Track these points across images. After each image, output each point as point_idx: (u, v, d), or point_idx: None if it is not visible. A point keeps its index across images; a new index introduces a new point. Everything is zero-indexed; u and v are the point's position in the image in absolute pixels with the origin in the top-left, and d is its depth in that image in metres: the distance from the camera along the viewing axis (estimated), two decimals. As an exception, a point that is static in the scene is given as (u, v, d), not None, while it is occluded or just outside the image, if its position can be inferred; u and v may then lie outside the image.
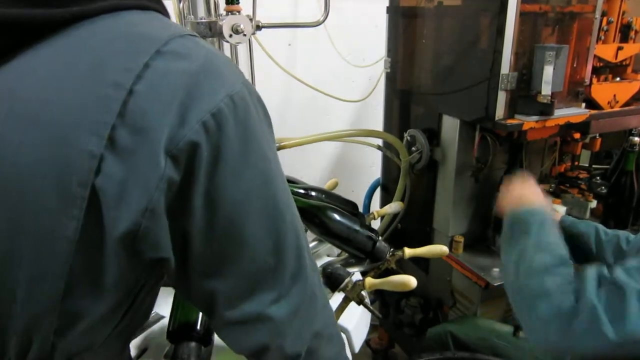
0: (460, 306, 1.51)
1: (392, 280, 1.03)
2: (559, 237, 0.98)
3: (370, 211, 1.60)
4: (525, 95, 1.25)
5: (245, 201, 0.50)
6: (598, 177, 1.75)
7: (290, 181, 1.38)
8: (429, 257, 1.26)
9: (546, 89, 1.20)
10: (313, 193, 1.31)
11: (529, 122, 1.23)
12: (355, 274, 1.27)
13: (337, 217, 1.20)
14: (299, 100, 1.98)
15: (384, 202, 1.88)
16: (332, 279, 1.08)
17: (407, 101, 1.60)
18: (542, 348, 0.95)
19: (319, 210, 1.19)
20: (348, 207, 1.37)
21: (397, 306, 1.72)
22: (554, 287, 0.87)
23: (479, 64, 1.26)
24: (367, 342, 2.09)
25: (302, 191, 1.29)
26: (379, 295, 1.89)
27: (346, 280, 1.06)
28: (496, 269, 1.41)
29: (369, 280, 1.06)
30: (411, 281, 1.01)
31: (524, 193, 1.06)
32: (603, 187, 1.73)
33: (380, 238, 1.23)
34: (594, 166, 1.79)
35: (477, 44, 1.28)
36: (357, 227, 1.20)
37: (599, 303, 0.81)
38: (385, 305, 1.88)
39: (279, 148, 1.27)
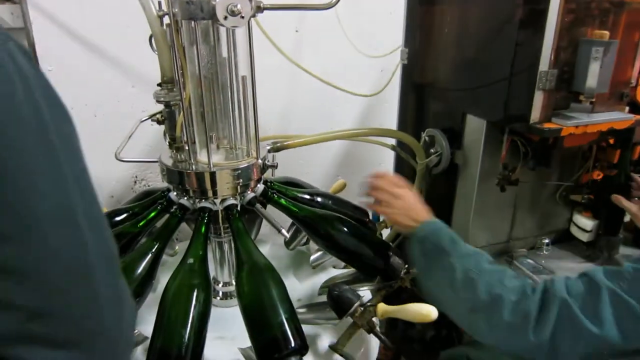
0: (477, 326, 1.37)
1: (410, 309, 0.89)
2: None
3: (381, 218, 1.46)
4: (564, 96, 1.10)
5: None
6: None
7: (295, 184, 1.24)
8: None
9: (590, 89, 1.05)
10: (319, 199, 1.17)
11: (569, 127, 1.07)
12: (366, 293, 1.14)
13: (345, 229, 1.05)
14: (304, 92, 1.82)
15: (395, 205, 1.73)
16: (339, 303, 0.94)
17: (426, 97, 1.45)
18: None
19: (326, 220, 1.05)
20: (357, 213, 1.23)
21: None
22: (504, 289, 0.83)
23: (513, 59, 1.10)
24: (371, 353, 1.97)
25: (307, 197, 1.15)
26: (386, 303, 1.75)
27: (355, 305, 0.93)
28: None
29: (382, 307, 0.92)
30: (431, 313, 0.87)
31: (411, 205, 1.00)
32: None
33: (391, 253, 1.09)
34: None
35: (510, 34, 1.11)
36: (368, 241, 1.06)
37: (570, 298, 0.78)
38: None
39: (283, 147, 1.13)
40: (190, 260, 0.93)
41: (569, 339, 0.76)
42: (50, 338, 0.42)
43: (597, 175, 1.45)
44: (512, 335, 0.81)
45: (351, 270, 1.23)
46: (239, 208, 0.99)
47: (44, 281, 0.40)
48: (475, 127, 1.26)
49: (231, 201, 0.99)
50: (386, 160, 2.03)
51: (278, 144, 1.12)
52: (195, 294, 0.86)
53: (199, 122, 0.96)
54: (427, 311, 0.87)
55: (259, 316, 0.84)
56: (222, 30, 0.90)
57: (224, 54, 0.95)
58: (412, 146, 1.34)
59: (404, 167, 1.59)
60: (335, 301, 0.95)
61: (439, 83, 1.38)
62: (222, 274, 1.15)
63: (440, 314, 1.50)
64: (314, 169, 2.07)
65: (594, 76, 1.04)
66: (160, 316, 0.85)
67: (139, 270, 0.91)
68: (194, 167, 0.95)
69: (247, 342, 0.89)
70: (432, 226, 0.96)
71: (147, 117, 1.08)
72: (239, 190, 0.99)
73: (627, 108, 1.20)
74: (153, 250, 0.94)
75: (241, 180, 0.97)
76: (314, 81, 1.69)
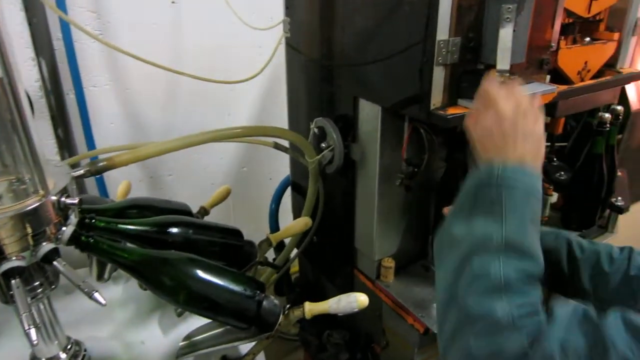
0: (394, 349, 1.15)
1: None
2: (538, 236, 0.63)
3: (275, 230, 1.20)
4: (471, 70, 0.86)
5: None
6: (554, 159, 1.41)
7: (141, 207, 0.94)
8: (341, 313, 0.87)
9: (504, 61, 0.81)
10: (173, 230, 0.87)
11: (479, 111, 0.84)
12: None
13: (199, 273, 0.78)
14: (189, 82, 1.46)
15: (296, 205, 1.47)
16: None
17: (314, 78, 1.17)
18: None
19: (170, 265, 0.77)
20: (229, 238, 0.97)
21: (319, 340, 1.35)
22: (505, 316, 0.55)
23: (406, 26, 0.84)
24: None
25: (152, 229, 0.85)
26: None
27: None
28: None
29: (308, 306, 0.81)
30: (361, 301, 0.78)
31: (516, 125, 0.65)
32: (562, 173, 1.41)
33: (265, 295, 0.82)
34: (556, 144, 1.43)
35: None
36: (231, 285, 0.79)
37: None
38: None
39: (105, 169, 0.81)
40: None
41: None
42: None
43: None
44: None
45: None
46: (26, 271, 0.68)
47: None
48: (370, 114, 0.99)
49: (12, 264, 0.67)
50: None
51: (100, 165, 0.80)
52: None
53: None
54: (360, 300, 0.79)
55: None
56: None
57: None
58: (297, 143, 1.07)
59: (300, 164, 1.32)
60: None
61: (326, 60, 1.10)
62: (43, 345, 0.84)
63: (354, 333, 1.29)
64: (214, 161, 1.79)
65: (506, 42, 0.81)
66: None
67: None
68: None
69: None
70: (516, 170, 0.63)
71: None
72: (31, 243, 0.68)
73: (547, 77, 0.99)
74: None
75: (27, 230, 0.66)
76: (199, 67, 1.41)
